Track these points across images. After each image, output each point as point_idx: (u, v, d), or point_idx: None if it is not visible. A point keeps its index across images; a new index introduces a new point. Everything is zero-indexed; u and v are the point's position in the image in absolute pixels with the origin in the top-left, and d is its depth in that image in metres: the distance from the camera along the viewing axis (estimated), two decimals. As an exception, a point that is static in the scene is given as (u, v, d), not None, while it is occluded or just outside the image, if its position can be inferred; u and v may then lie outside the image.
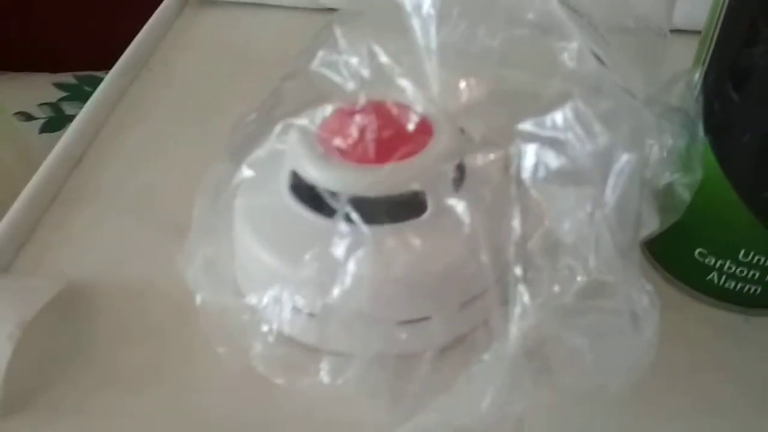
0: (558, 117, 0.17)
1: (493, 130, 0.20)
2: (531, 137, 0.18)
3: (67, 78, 0.82)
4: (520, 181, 0.18)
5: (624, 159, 0.17)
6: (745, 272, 0.28)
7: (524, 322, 0.17)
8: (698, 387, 0.26)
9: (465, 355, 0.24)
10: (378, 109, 0.24)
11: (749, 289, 0.28)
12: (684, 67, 0.27)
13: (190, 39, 0.47)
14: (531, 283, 0.18)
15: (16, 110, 0.76)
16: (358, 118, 0.22)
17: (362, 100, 0.21)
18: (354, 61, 0.21)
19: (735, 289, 0.28)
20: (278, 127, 0.22)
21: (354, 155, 0.22)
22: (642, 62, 0.25)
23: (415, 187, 0.22)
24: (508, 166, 0.18)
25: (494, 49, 0.21)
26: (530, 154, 0.18)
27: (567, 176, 0.17)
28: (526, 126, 0.18)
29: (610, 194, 0.17)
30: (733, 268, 0.28)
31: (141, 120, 0.40)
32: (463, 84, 0.20)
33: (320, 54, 0.21)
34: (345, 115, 0.23)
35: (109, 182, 0.36)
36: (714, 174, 0.26)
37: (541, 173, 0.18)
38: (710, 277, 0.28)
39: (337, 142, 0.22)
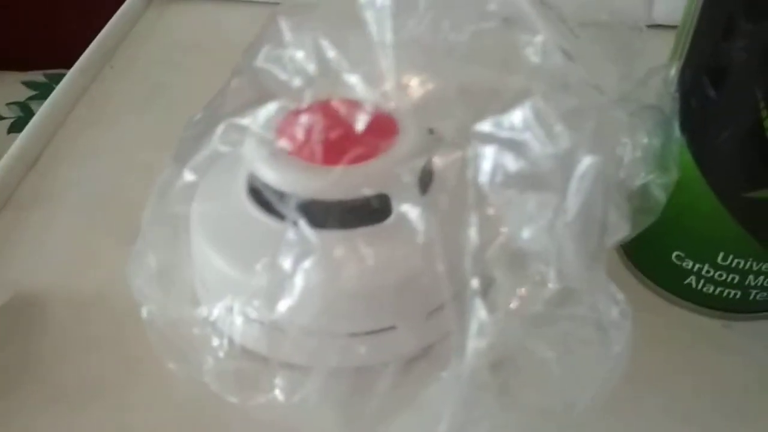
0: (517, 116, 0.16)
1: (449, 131, 0.19)
2: (489, 138, 0.16)
3: (37, 76, 0.80)
4: (478, 186, 0.17)
5: (587, 162, 0.16)
6: (724, 276, 0.26)
7: (482, 339, 0.16)
8: (676, 394, 0.25)
9: (430, 367, 0.23)
10: (336, 107, 0.22)
11: (729, 293, 0.27)
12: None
13: (155, 35, 0.46)
14: (489, 296, 0.17)
15: (-16, 110, 0.74)
16: (313, 116, 0.21)
17: (311, 98, 0.20)
18: (299, 55, 0.19)
19: (714, 294, 0.27)
20: (220, 128, 0.20)
21: (308, 156, 0.21)
22: (616, 57, 0.24)
23: (369, 191, 0.20)
24: (466, 170, 0.17)
25: (456, 44, 0.19)
26: (488, 157, 0.16)
27: (526, 181, 0.16)
28: (484, 126, 0.17)
29: (573, 200, 0.16)
30: (712, 272, 0.27)
31: (101, 120, 0.38)
32: (417, 81, 0.19)
33: (265, 49, 0.20)
34: (299, 113, 0.21)
35: (66, 185, 0.34)
36: (691, 174, 0.25)
37: (500, 177, 0.16)
38: (688, 281, 0.27)
39: (291, 142, 0.21)
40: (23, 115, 0.74)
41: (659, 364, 0.26)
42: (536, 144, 0.16)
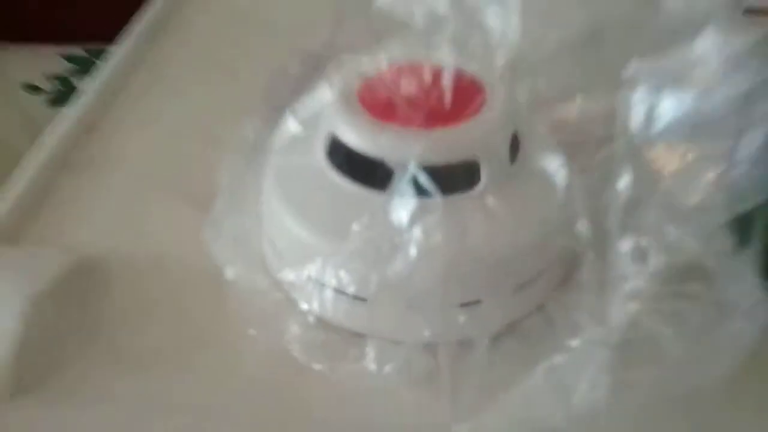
0: (685, 53, 0.14)
1: (587, 75, 0.17)
2: (644, 79, 0.15)
3: (77, 51, 0.79)
4: (629, 136, 0.15)
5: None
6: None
7: (631, 307, 0.15)
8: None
9: (520, 344, 0.22)
10: (423, 73, 0.21)
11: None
12: None
13: (207, 2, 0.45)
14: (640, 260, 0.15)
15: (24, 82, 0.74)
16: (403, 83, 0.20)
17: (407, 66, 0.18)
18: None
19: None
20: (333, 66, 0.19)
21: (403, 121, 0.20)
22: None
23: (479, 152, 0.19)
24: (614, 118, 0.16)
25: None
26: (643, 101, 0.15)
27: (693, 128, 0.14)
28: (638, 66, 0.15)
29: (748, 150, 0.14)
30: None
31: (160, 84, 0.38)
32: (552, 21, 0.17)
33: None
34: (390, 80, 0.20)
35: (126, 149, 0.33)
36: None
37: (659, 124, 0.15)
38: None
39: (382, 107, 0.20)
40: (63, 88, 0.74)
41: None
42: (706, 84, 0.14)
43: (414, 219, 0.17)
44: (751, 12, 0.23)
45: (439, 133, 0.21)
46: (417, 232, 0.17)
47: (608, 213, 0.15)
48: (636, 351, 0.18)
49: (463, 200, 0.21)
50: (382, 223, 0.18)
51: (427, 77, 0.22)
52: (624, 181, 0.15)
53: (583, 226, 0.18)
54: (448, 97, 0.22)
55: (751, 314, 0.16)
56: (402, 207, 0.17)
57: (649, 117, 0.15)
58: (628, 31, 0.16)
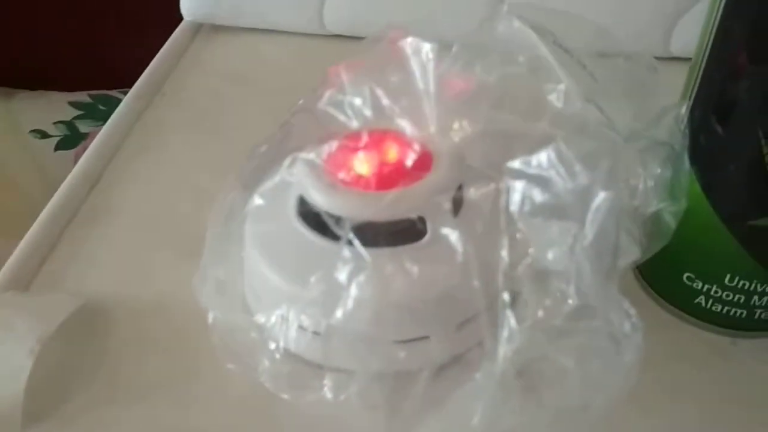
0: (542, 157, 0.19)
1: (485, 166, 0.21)
2: (519, 174, 0.19)
3: (82, 97, 0.84)
4: (509, 214, 0.20)
5: (602, 196, 0.19)
6: (731, 296, 0.29)
7: (511, 345, 0.19)
8: (685, 405, 0.28)
9: (461, 373, 0.26)
10: (380, 141, 0.25)
11: (735, 312, 0.29)
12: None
13: (202, 64, 0.49)
14: (518, 308, 0.19)
15: (32, 128, 0.78)
16: (361, 150, 0.24)
17: (365, 134, 0.23)
18: (358, 102, 0.22)
19: (722, 312, 0.29)
20: (288, 161, 0.23)
21: (358, 184, 0.24)
22: (632, 93, 0.26)
23: (414, 214, 0.23)
24: (499, 200, 0.20)
25: (491, 86, 0.22)
26: (518, 190, 0.19)
27: (551, 211, 0.19)
28: (515, 164, 0.19)
29: (589, 228, 0.19)
30: (720, 292, 0.29)
31: (155, 143, 0.42)
32: (457, 125, 0.22)
33: (327, 94, 0.23)
34: (350, 147, 0.24)
35: (125, 203, 0.37)
36: (700, 203, 0.28)
37: (528, 207, 0.19)
38: (698, 300, 0.30)
39: (342, 171, 0.24)
40: (69, 133, 0.77)
41: (671, 376, 0.28)
42: (559, 180, 0.18)
43: (351, 276, 0.21)
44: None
45: (389, 194, 0.25)
46: (353, 288, 0.21)
47: (494, 273, 0.19)
48: (545, 380, 0.22)
49: (407, 252, 0.25)
50: (332, 277, 0.22)
51: (384, 148, 0.26)
52: (504, 247, 0.19)
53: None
54: (399, 161, 0.26)
55: (629, 339, 0.20)
56: (343, 265, 0.21)
57: (523, 200, 0.19)
58: (512, 135, 0.20)
